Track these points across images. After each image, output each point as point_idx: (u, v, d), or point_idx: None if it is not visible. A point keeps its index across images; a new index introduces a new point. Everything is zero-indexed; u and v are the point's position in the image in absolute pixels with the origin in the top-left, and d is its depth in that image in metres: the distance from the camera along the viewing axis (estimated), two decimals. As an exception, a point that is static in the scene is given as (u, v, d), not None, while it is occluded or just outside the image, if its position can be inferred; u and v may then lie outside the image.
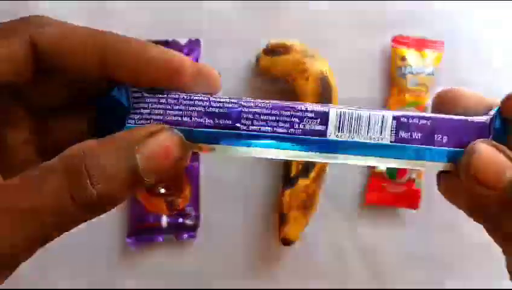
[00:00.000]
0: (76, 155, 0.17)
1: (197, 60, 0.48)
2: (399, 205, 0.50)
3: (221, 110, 0.21)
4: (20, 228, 0.16)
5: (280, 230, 0.47)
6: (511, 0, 0.51)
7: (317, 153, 0.21)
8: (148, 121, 0.20)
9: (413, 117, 0.21)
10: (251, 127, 0.21)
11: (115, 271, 0.49)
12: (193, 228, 0.49)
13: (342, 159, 0.21)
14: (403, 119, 0.21)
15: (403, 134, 0.21)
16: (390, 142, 0.21)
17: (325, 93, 0.46)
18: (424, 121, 0.21)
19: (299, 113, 0.21)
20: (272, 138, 0.21)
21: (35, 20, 0.19)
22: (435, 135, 0.21)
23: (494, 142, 0.20)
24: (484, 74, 0.51)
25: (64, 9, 0.47)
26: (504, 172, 0.19)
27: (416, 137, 0.21)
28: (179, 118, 0.20)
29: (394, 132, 0.21)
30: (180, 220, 0.48)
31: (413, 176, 0.49)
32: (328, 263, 0.51)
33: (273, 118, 0.21)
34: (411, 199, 0.50)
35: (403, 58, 0.49)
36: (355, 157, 0.21)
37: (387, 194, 0.50)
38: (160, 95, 0.20)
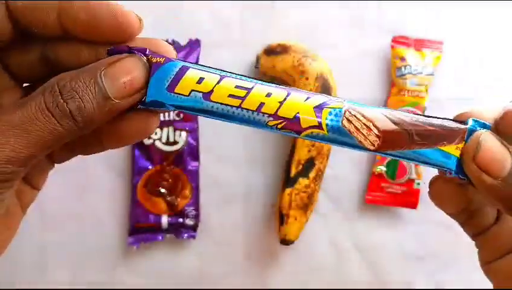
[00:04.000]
0: (53, 81, 0.20)
1: (197, 60, 0.49)
2: (398, 205, 0.50)
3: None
4: (13, 141, 0.19)
5: (280, 230, 0.47)
6: (511, 0, 0.51)
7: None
8: None
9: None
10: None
11: (115, 271, 0.49)
12: (193, 228, 0.49)
13: None
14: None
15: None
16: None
17: (324, 93, 0.46)
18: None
19: None
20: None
21: None
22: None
23: (494, 134, 0.21)
24: (484, 74, 0.51)
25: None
26: (506, 162, 0.20)
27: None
28: None
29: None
30: (180, 220, 0.48)
31: (413, 176, 0.49)
32: (328, 263, 0.51)
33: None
34: (410, 199, 0.50)
35: (403, 59, 0.49)
36: None
37: (387, 194, 0.50)
38: None
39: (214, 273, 0.50)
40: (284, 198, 0.47)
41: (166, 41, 0.47)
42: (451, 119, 0.22)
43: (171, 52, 0.22)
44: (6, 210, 0.21)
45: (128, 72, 0.20)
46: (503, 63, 0.51)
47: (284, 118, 0.20)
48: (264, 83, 0.21)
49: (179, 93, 0.21)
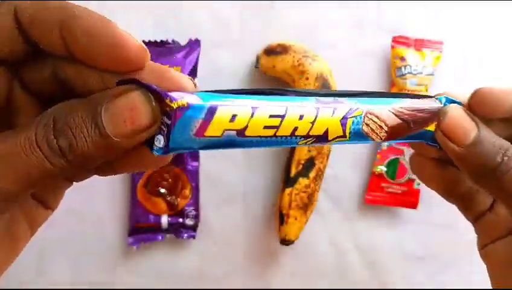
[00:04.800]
0: (49, 112, 0.18)
1: (197, 60, 0.48)
2: (398, 205, 0.50)
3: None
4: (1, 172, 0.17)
5: (280, 230, 0.47)
6: (511, 0, 0.51)
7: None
8: None
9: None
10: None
11: (115, 271, 0.49)
12: (193, 228, 0.49)
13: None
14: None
15: None
16: None
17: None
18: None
19: None
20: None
21: None
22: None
23: (463, 107, 0.23)
24: (484, 74, 0.51)
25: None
26: (470, 131, 0.22)
27: None
28: None
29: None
30: (180, 220, 0.48)
31: (413, 176, 0.49)
32: (328, 263, 0.51)
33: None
34: (410, 199, 0.50)
35: (403, 59, 0.49)
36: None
37: (387, 194, 0.50)
38: None
39: (214, 273, 0.50)
40: (284, 198, 0.47)
41: (166, 41, 0.47)
42: (433, 97, 0.24)
43: (189, 85, 0.19)
44: (10, 236, 0.21)
45: (131, 108, 0.18)
46: (502, 63, 0.51)
47: (314, 136, 0.21)
48: (294, 99, 0.20)
49: (211, 136, 0.19)
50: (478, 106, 0.24)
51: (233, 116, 0.19)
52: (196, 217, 0.49)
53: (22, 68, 0.20)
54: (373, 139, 0.22)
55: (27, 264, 0.48)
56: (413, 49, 0.49)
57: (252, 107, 0.19)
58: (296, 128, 0.20)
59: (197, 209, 0.49)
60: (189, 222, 0.49)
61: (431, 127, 0.23)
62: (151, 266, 0.49)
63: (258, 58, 0.48)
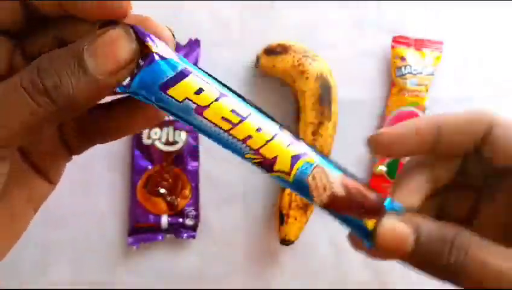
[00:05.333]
0: (36, 60, 0.18)
1: (196, 60, 0.49)
2: (399, 205, 0.50)
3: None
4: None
5: (280, 230, 0.47)
6: (511, 0, 0.51)
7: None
8: None
9: None
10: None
11: (115, 271, 0.49)
12: (193, 228, 0.49)
13: None
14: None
15: None
16: None
17: (324, 93, 0.46)
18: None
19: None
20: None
21: None
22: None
23: (398, 215, 0.22)
24: (483, 74, 0.51)
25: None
26: (406, 239, 0.21)
27: None
28: None
29: None
30: (180, 220, 0.48)
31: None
32: (328, 263, 0.51)
33: None
34: (411, 199, 0.50)
35: (403, 59, 0.49)
36: None
37: (387, 195, 0.50)
38: None
39: (214, 273, 0.50)
40: (284, 198, 0.47)
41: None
42: (381, 198, 0.23)
43: (170, 40, 0.20)
44: (9, 212, 0.20)
45: (111, 42, 0.18)
46: (502, 63, 0.51)
47: (262, 156, 0.20)
48: (260, 112, 0.21)
49: (171, 96, 0.19)
50: (378, 151, 0.23)
51: (200, 89, 0.19)
52: (196, 217, 0.49)
53: (22, 38, 0.20)
54: (312, 197, 0.21)
55: (27, 264, 0.48)
56: (413, 49, 0.49)
57: (221, 93, 0.20)
58: (249, 137, 0.20)
59: (197, 209, 0.49)
60: (189, 222, 0.49)
61: (370, 224, 0.22)
62: (151, 266, 0.49)
63: (258, 58, 0.48)
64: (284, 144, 0.21)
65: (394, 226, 0.21)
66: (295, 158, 0.21)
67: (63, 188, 0.49)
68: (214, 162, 0.50)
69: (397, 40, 0.49)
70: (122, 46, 0.18)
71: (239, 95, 0.21)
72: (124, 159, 0.49)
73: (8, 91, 0.18)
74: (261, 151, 0.20)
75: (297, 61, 0.46)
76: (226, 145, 0.20)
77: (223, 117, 0.20)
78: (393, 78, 0.50)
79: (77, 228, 0.49)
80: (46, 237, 0.48)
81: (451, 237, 0.20)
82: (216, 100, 0.20)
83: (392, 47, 0.49)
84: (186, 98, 0.19)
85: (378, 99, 0.51)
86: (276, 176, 0.21)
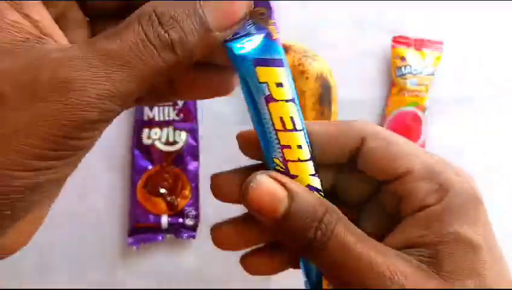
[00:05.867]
0: (148, 9, 0.17)
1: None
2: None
3: None
4: (114, 74, 0.17)
5: (280, 230, 0.47)
6: (511, 0, 0.51)
7: None
8: None
9: None
10: None
11: (115, 271, 0.49)
12: (193, 228, 0.49)
13: None
14: None
15: None
16: None
17: (324, 93, 0.46)
18: None
19: None
20: None
21: None
22: None
23: (274, 173, 0.21)
24: (483, 73, 0.51)
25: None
26: (279, 203, 0.20)
27: None
28: None
29: None
30: (180, 220, 0.48)
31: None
32: (328, 263, 0.51)
33: None
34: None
35: (403, 59, 0.49)
36: None
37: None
38: None
39: (214, 273, 0.50)
40: (284, 198, 0.47)
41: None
42: None
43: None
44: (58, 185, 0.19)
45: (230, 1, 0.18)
46: (502, 63, 0.51)
47: (287, 168, 0.21)
48: (307, 135, 0.21)
49: (256, 74, 0.20)
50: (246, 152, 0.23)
51: (281, 84, 0.20)
52: (196, 217, 0.49)
53: None
54: None
55: (27, 264, 0.48)
56: (413, 49, 0.49)
57: (293, 98, 0.21)
58: (289, 147, 0.21)
59: (197, 209, 0.49)
60: (189, 222, 0.49)
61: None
62: (151, 266, 0.49)
63: (258, 58, 0.48)
64: (309, 171, 0.21)
65: (270, 184, 0.21)
66: (310, 188, 0.21)
67: (63, 187, 0.49)
68: (214, 162, 0.50)
69: (397, 40, 0.49)
70: (240, 5, 0.18)
71: (301, 113, 0.21)
72: (124, 159, 0.49)
73: (135, 45, 0.17)
74: (288, 164, 0.21)
75: (297, 61, 0.46)
76: (264, 138, 0.21)
77: (281, 117, 0.20)
78: (393, 78, 0.50)
79: (77, 228, 0.49)
80: (46, 237, 0.48)
81: (322, 212, 0.20)
82: (286, 101, 0.20)
83: (392, 47, 0.49)
84: (267, 82, 0.20)
85: (378, 99, 0.51)
86: None
